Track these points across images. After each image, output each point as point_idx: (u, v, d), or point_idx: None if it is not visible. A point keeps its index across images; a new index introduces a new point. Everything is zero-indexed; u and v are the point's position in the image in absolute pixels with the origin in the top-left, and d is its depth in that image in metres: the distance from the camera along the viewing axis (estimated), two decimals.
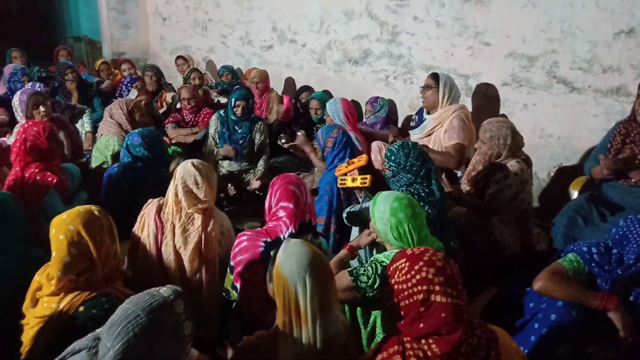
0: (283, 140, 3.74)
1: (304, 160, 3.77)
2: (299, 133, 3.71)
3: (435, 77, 3.30)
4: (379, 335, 1.83)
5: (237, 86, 3.83)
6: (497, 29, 3.49)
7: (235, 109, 3.66)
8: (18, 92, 3.50)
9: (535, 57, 3.33)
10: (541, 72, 3.33)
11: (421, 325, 1.30)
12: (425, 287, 1.30)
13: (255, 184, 3.64)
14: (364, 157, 2.72)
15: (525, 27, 3.32)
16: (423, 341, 1.31)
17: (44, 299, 1.59)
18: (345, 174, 2.65)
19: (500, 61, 3.53)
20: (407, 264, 1.37)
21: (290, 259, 1.38)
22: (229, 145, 3.71)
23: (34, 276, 1.69)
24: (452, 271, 1.34)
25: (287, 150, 3.92)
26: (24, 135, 2.58)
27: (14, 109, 3.49)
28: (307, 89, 4.79)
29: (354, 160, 2.73)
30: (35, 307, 1.61)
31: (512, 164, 2.70)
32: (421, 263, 1.34)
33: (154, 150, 2.79)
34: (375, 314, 1.83)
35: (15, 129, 3.56)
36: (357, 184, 2.52)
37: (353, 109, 3.66)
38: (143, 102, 4.11)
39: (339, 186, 2.65)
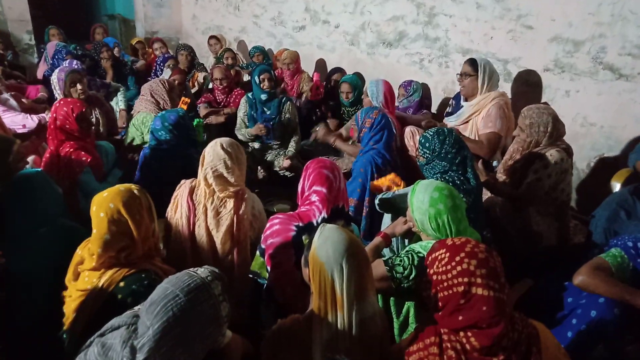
0: (317, 129, 3.67)
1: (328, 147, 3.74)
2: (317, 128, 3.64)
3: (473, 63, 3.18)
4: (412, 325, 1.81)
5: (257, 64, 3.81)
6: (542, 11, 3.33)
7: (262, 85, 3.65)
8: (56, 70, 3.56)
9: (581, 42, 3.17)
10: (586, 57, 3.17)
11: (460, 317, 1.28)
12: (466, 279, 1.27)
13: (285, 163, 3.64)
14: (393, 177, 2.66)
15: (573, 10, 3.16)
16: (461, 334, 1.29)
17: (85, 272, 1.63)
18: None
19: (542, 46, 3.38)
20: (448, 254, 1.34)
21: (326, 244, 1.37)
22: (260, 124, 3.71)
23: (76, 249, 1.74)
24: (495, 263, 1.30)
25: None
26: (54, 115, 2.61)
27: (52, 87, 3.56)
28: (338, 70, 4.73)
29: (385, 183, 2.67)
30: (77, 280, 1.65)
31: (552, 153, 2.61)
32: (462, 254, 1.31)
33: (178, 134, 2.78)
34: (409, 305, 1.81)
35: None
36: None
37: (393, 92, 3.59)
38: (176, 82, 4.14)
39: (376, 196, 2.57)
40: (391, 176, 2.67)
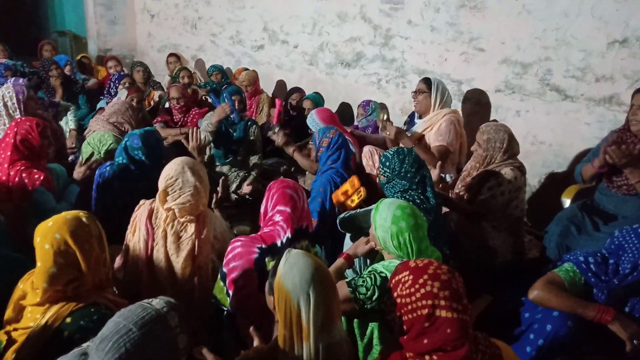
0: (275, 130, 3.55)
1: (295, 163, 3.70)
2: (276, 129, 3.53)
3: (427, 81, 3.31)
4: (376, 347, 1.79)
5: (226, 85, 3.75)
6: (492, 35, 3.49)
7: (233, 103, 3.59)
8: (4, 87, 3.37)
9: (529, 65, 3.34)
10: (534, 79, 3.34)
11: (425, 341, 1.27)
12: (430, 302, 1.26)
13: (246, 189, 3.57)
14: (354, 180, 2.67)
15: (520, 34, 3.33)
16: (427, 357, 1.28)
17: (28, 309, 1.51)
18: (344, 202, 2.62)
19: (493, 67, 3.53)
20: (411, 277, 1.33)
21: (292, 271, 1.33)
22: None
23: (17, 283, 1.61)
24: (457, 284, 1.31)
25: (277, 153, 3.84)
26: (15, 130, 2.49)
27: None
28: (297, 90, 4.74)
29: (347, 188, 2.67)
30: (19, 317, 1.52)
31: (506, 171, 2.70)
32: (425, 276, 1.30)
33: (153, 154, 2.67)
34: (373, 326, 1.80)
35: None
36: (356, 202, 2.50)
37: (333, 115, 3.62)
38: (134, 101, 4.00)
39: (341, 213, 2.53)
40: (352, 180, 2.65)
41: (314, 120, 3.50)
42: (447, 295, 1.27)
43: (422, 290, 1.28)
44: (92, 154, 3.10)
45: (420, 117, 3.39)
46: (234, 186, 3.69)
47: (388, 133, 3.23)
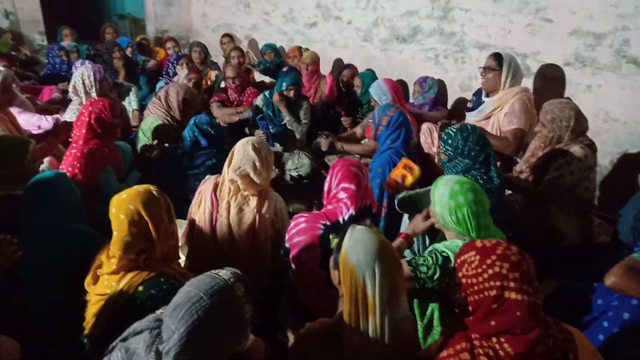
0: (324, 136, 3.53)
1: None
2: (319, 139, 3.53)
3: (497, 58, 3.10)
4: (437, 327, 1.77)
5: (287, 68, 3.72)
6: (561, 4, 3.25)
7: (286, 92, 3.59)
8: (81, 67, 3.58)
9: (603, 35, 3.09)
10: (609, 51, 3.09)
11: (493, 322, 1.23)
12: (498, 283, 1.22)
13: (324, 145, 3.42)
14: (403, 161, 2.61)
15: (593, 2, 3.08)
16: (494, 339, 1.24)
17: (104, 276, 1.61)
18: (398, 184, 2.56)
19: (562, 39, 3.30)
20: (478, 257, 1.29)
21: (357, 247, 1.32)
22: (259, 131, 3.67)
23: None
24: (528, 267, 1.25)
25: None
26: (90, 109, 2.61)
27: (74, 86, 3.56)
28: (348, 66, 4.67)
29: (399, 170, 2.61)
30: (96, 284, 1.63)
31: (576, 149, 2.54)
32: (494, 257, 1.26)
33: (218, 129, 2.90)
34: (433, 307, 1.78)
35: (72, 106, 3.66)
36: (410, 180, 2.44)
37: (399, 88, 3.52)
38: (192, 81, 4.11)
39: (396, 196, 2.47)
40: (402, 162, 2.61)
41: (380, 88, 3.42)
42: (517, 276, 1.22)
43: (490, 271, 1.24)
44: (152, 145, 3.26)
45: (487, 95, 3.21)
46: (289, 164, 3.73)
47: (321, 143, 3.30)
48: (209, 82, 5.02)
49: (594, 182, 2.67)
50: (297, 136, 3.70)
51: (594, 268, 2.15)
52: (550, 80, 3.42)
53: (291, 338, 1.47)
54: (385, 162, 2.73)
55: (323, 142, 3.33)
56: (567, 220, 2.61)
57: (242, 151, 2.09)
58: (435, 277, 1.67)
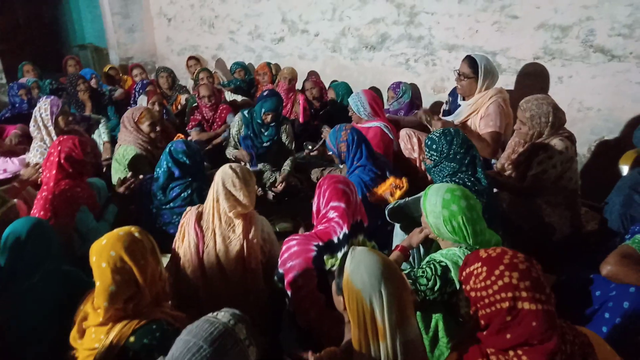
0: (310, 147, 3.56)
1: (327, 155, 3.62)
2: (310, 146, 3.48)
3: (472, 64, 3.04)
4: (442, 339, 1.72)
5: (267, 92, 3.62)
6: (525, 0, 3.30)
7: (264, 117, 3.51)
8: (41, 104, 3.44)
9: (569, 27, 3.14)
10: (576, 42, 3.14)
11: (508, 335, 1.18)
12: (510, 294, 1.18)
13: (278, 187, 3.50)
14: (390, 180, 2.58)
15: None
16: (511, 353, 1.19)
17: (91, 329, 1.50)
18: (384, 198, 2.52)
19: (530, 34, 3.34)
20: (485, 268, 1.24)
21: (360, 269, 1.26)
22: (243, 150, 3.60)
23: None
24: (538, 273, 1.21)
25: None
26: (59, 148, 2.50)
27: (36, 123, 3.41)
28: (307, 79, 4.64)
29: (384, 188, 2.57)
30: (83, 338, 1.51)
31: (556, 143, 2.56)
32: (502, 267, 1.21)
33: (194, 158, 2.76)
34: (437, 318, 1.73)
35: (34, 144, 3.50)
36: (398, 194, 2.41)
37: (377, 98, 3.49)
38: (156, 104, 3.97)
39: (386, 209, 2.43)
40: (390, 181, 2.57)
41: (359, 100, 3.36)
42: (528, 285, 1.18)
43: (500, 282, 1.20)
44: (125, 178, 3.12)
45: (463, 99, 3.20)
46: (268, 184, 3.65)
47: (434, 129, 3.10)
48: (179, 107, 4.91)
49: (577, 173, 2.69)
50: (288, 166, 3.63)
51: (589, 259, 2.14)
52: (522, 75, 3.45)
53: None
54: (356, 183, 2.55)
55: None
56: (556, 213, 2.62)
57: (221, 172, 2.06)
58: (436, 288, 1.63)
